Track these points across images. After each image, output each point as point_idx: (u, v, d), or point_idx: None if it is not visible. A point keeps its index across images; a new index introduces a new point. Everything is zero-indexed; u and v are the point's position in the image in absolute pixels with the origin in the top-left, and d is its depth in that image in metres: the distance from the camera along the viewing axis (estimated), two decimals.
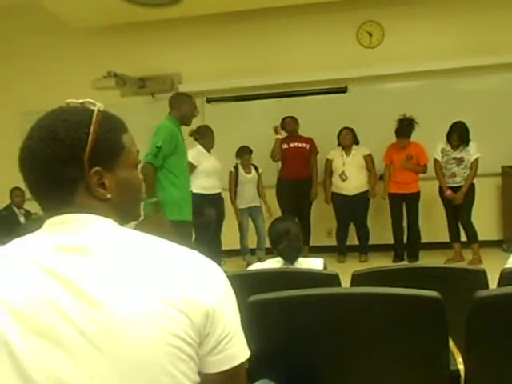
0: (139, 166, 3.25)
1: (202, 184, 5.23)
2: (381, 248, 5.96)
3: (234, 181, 5.76)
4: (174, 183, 3.78)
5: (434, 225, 5.91)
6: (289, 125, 5.82)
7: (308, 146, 5.83)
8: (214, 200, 5.38)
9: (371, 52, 6.16)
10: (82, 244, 0.90)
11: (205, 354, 0.91)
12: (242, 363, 0.95)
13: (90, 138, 0.92)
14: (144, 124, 6.42)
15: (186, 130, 5.53)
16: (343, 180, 5.73)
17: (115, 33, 6.26)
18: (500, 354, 1.51)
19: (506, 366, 1.52)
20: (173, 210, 3.67)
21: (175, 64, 6.40)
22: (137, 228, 1.05)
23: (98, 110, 0.95)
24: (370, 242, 5.96)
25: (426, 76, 5.95)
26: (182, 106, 3.97)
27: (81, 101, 0.98)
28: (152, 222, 2.25)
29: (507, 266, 2.13)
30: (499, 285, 1.92)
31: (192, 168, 5.09)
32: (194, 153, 5.21)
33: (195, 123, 5.38)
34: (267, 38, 6.26)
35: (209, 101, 6.46)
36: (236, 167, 5.78)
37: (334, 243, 6.00)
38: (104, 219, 0.94)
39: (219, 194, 5.51)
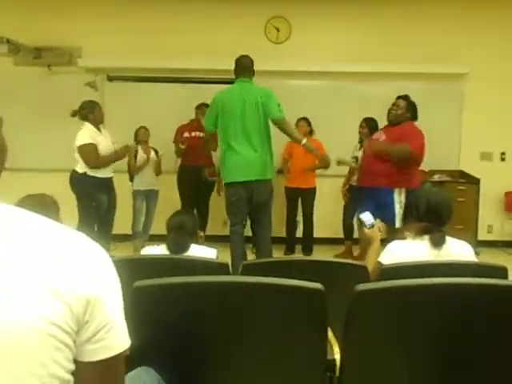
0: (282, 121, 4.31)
1: None
2: (275, 240, 6.08)
3: (133, 162, 5.54)
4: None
5: (331, 220, 6.15)
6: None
7: None
8: (108, 184, 4.89)
9: (278, 47, 6.25)
10: None
11: (82, 342, 0.86)
12: (121, 353, 0.91)
13: None
14: (39, 96, 6.12)
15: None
16: None
17: None
18: (374, 345, 1.60)
19: (378, 357, 1.61)
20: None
21: (76, 37, 6.10)
22: (18, 204, 0.98)
23: None
24: None
25: (330, 76, 6.14)
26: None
27: None
28: (35, 198, 2.11)
29: (379, 260, 2.32)
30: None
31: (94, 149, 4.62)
32: (88, 133, 4.62)
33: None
34: (176, 21, 6.13)
35: (110, 79, 6.22)
36: (135, 149, 5.55)
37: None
38: None
39: (112, 178, 4.98)
